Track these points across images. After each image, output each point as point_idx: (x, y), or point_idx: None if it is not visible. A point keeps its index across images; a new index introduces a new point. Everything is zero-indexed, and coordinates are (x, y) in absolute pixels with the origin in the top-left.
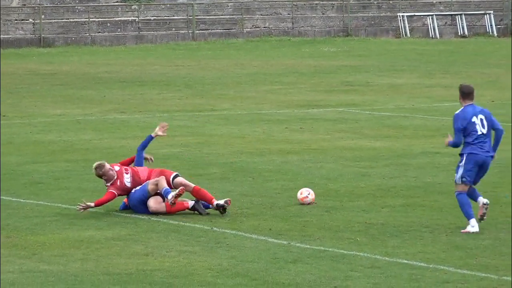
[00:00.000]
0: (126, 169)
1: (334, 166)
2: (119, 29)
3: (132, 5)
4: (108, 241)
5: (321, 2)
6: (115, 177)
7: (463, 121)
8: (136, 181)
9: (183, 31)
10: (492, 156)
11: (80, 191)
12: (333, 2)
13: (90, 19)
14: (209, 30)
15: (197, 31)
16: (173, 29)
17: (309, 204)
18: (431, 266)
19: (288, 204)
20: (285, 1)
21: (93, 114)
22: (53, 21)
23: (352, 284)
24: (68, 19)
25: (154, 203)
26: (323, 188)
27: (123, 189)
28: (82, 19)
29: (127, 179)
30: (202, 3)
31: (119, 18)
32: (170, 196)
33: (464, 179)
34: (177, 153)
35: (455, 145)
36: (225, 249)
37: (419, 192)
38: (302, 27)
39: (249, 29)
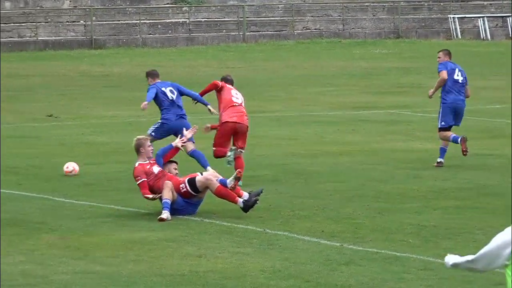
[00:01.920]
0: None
1: (386, 168)
2: (170, 31)
3: (183, 7)
4: (160, 242)
5: (371, 4)
6: (147, 161)
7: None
8: (164, 175)
9: (233, 33)
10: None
11: (132, 192)
12: (384, 4)
13: (141, 21)
14: (260, 32)
15: (248, 33)
16: (224, 31)
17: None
18: None
19: (340, 206)
20: (335, 3)
21: (145, 116)
22: (104, 22)
23: (405, 286)
24: (119, 21)
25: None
26: (375, 190)
27: (148, 173)
28: (133, 21)
29: (155, 167)
30: (253, 5)
31: (170, 20)
32: (229, 181)
33: (154, 133)
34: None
35: (149, 97)
36: (278, 250)
37: (471, 194)
38: (352, 29)
39: (299, 31)
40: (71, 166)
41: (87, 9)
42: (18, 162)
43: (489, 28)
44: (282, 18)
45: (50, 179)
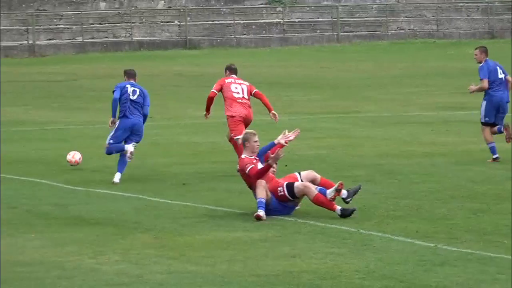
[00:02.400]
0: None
1: (481, 168)
2: (264, 31)
3: (277, 7)
4: (255, 242)
5: (466, 4)
6: (253, 156)
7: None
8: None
9: (327, 33)
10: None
11: (225, 192)
12: (478, 4)
13: (235, 21)
14: (354, 32)
15: (342, 33)
16: (318, 31)
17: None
18: None
19: (435, 207)
20: (429, 3)
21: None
22: (198, 23)
23: (500, 287)
24: (213, 21)
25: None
26: (470, 190)
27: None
28: (227, 21)
29: (260, 164)
30: (347, 5)
31: (264, 20)
32: (329, 191)
33: (111, 141)
34: (322, 155)
35: (114, 101)
36: (372, 251)
37: None
38: (447, 29)
39: (393, 31)
40: (73, 156)
41: (182, 10)
42: (112, 162)
43: None
44: (376, 19)
45: (145, 179)
